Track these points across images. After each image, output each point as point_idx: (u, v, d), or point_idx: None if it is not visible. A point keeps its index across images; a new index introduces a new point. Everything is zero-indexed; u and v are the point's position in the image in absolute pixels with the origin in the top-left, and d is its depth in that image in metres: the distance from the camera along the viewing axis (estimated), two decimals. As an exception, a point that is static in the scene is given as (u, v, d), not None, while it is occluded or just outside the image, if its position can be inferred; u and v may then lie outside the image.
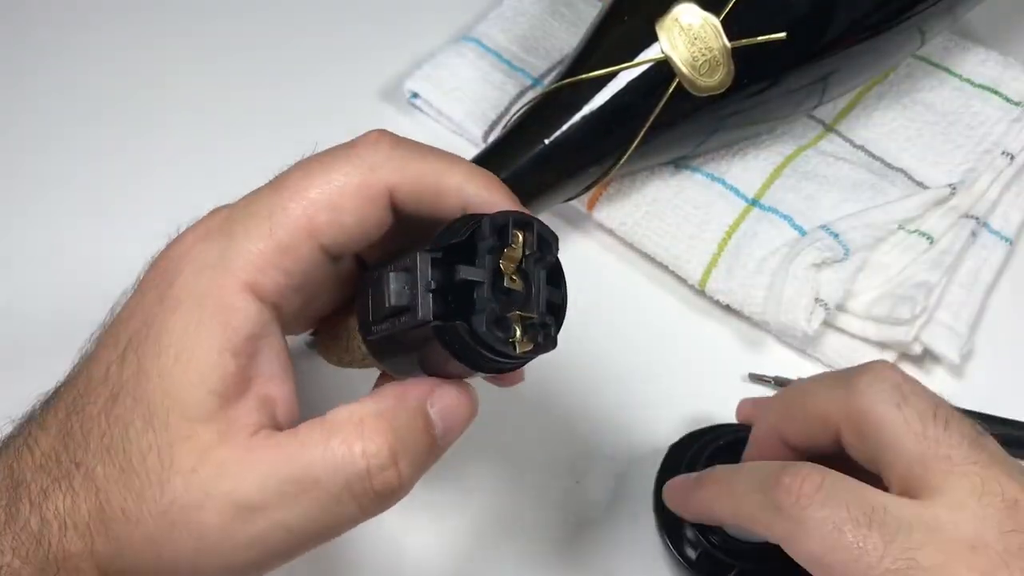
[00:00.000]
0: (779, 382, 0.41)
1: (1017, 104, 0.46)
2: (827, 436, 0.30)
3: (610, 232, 0.45)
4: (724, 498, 0.31)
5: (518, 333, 0.25)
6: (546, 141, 0.40)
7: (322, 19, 0.53)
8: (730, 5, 0.38)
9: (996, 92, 0.47)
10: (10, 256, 0.45)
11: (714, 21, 0.38)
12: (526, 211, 0.26)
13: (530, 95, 0.48)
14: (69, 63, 0.52)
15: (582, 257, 0.45)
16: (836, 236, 0.42)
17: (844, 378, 0.30)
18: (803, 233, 0.43)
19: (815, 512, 0.27)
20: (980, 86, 0.47)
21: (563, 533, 0.38)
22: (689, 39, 0.39)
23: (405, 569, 0.37)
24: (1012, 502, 0.26)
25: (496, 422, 0.39)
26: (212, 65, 0.52)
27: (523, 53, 0.49)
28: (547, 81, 0.48)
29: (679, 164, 0.45)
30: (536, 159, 0.40)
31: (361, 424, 0.25)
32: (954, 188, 0.44)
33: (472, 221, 0.25)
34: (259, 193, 0.27)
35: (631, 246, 0.44)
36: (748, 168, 0.45)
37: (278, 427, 0.26)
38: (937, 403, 0.29)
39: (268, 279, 0.26)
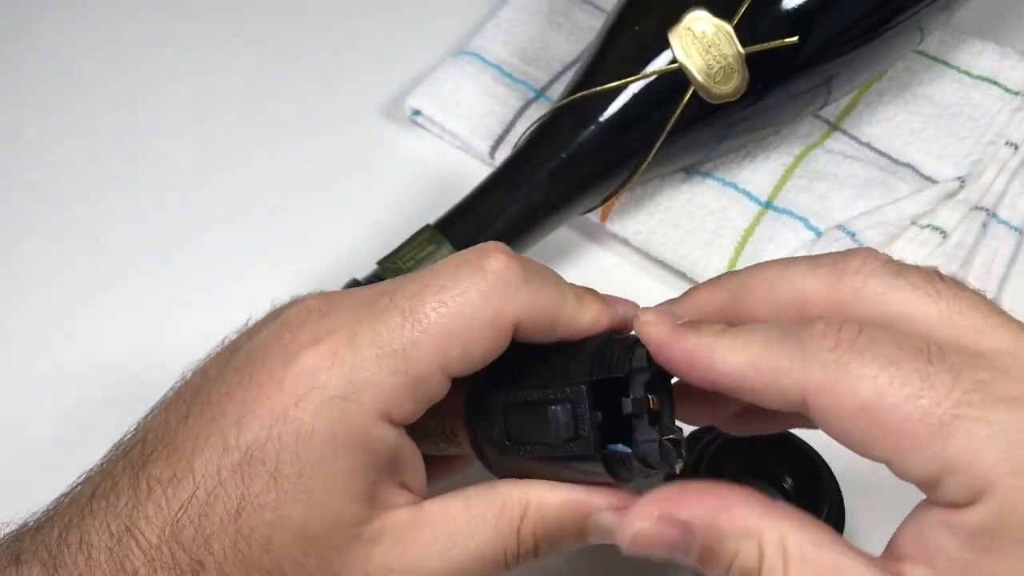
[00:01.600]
0: None
1: (1017, 94, 0.47)
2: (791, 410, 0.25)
3: (625, 242, 0.44)
4: (736, 349, 0.25)
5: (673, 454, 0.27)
6: (563, 154, 0.40)
7: (318, 40, 0.53)
8: (742, 11, 0.38)
9: (995, 83, 0.47)
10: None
11: (727, 28, 0.38)
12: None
13: (536, 108, 0.47)
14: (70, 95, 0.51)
15: (599, 269, 0.45)
16: (853, 235, 0.42)
17: (826, 258, 0.26)
18: (819, 234, 0.43)
19: (862, 353, 0.23)
20: (979, 77, 0.48)
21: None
22: (703, 47, 0.39)
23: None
24: None
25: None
26: (212, 86, 0.51)
27: (524, 65, 0.49)
28: (551, 92, 0.48)
29: (690, 170, 0.45)
30: (553, 173, 0.40)
31: (525, 512, 0.27)
32: (963, 181, 0.44)
33: (625, 352, 0.27)
34: (385, 315, 0.27)
35: (647, 255, 0.44)
36: (759, 170, 0.45)
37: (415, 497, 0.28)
38: (934, 269, 0.25)
39: (400, 412, 0.27)
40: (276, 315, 0.29)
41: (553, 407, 0.27)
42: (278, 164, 0.48)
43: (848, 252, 0.26)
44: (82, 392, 0.41)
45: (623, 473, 0.27)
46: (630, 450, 0.26)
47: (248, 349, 0.28)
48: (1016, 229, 0.44)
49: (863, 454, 0.24)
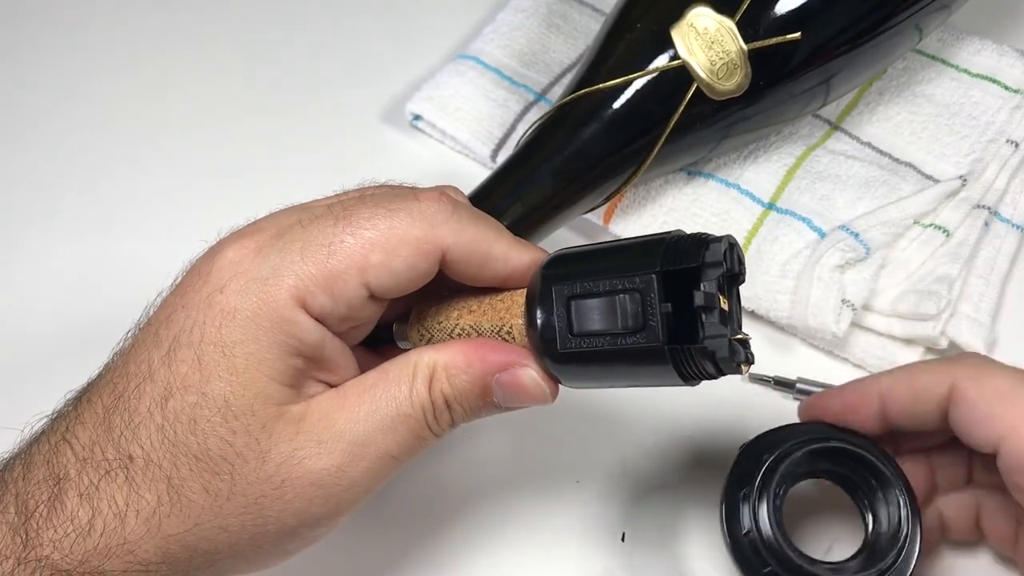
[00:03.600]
0: (779, 382, 0.41)
1: (1016, 91, 0.47)
2: (931, 413, 0.32)
3: (628, 243, 0.44)
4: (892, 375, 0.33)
5: (742, 353, 0.27)
6: (565, 153, 0.40)
7: (318, 46, 0.53)
8: (744, 7, 0.38)
9: (994, 81, 0.47)
10: (36, 261, 0.46)
11: (729, 24, 0.38)
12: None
13: (536, 111, 0.47)
14: (75, 85, 0.51)
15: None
16: (856, 236, 0.42)
17: (948, 360, 0.33)
18: (822, 234, 0.42)
19: (993, 362, 0.31)
20: (978, 75, 0.48)
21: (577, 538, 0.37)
22: (706, 43, 0.38)
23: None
24: None
25: (528, 430, 0.39)
26: (212, 93, 0.51)
27: (523, 68, 0.49)
28: (551, 95, 0.48)
29: (692, 171, 0.45)
30: (556, 171, 0.40)
31: (434, 373, 0.29)
32: (964, 179, 0.44)
33: (700, 243, 0.26)
34: (319, 219, 0.29)
35: (651, 256, 0.44)
36: (761, 171, 0.45)
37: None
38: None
39: (315, 301, 0.28)
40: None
41: (621, 296, 0.26)
42: (279, 169, 0.48)
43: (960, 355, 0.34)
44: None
45: (689, 369, 0.26)
46: (698, 345, 0.26)
47: (181, 271, 0.30)
48: (1018, 227, 0.44)
49: (985, 437, 0.31)
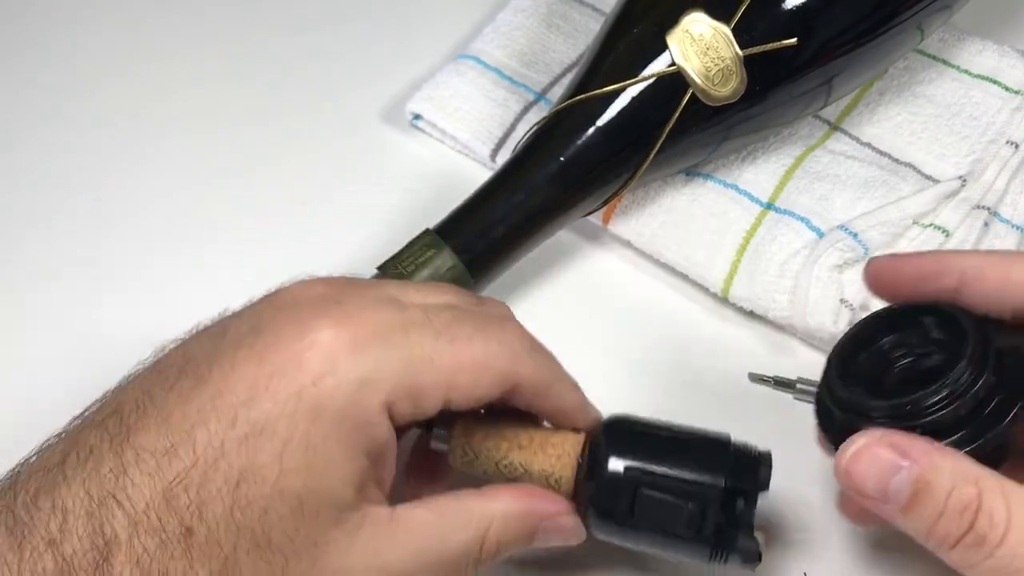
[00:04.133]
0: (779, 382, 0.41)
1: (1017, 92, 0.47)
2: (1020, 307, 0.30)
3: (627, 244, 0.44)
4: (994, 269, 0.30)
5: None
6: (562, 158, 0.40)
7: (317, 46, 0.53)
8: (740, 13, 0.38)
9: (995, 81, 0.47)
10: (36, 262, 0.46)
11: (725, 30, 0.38)
12: None
13: (536, 111, 0.47)
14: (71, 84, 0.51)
15: (602, 270, 0.45)
16: (855, 236, 0.42)
17: None
18: (821, 234, 0.43)
19: None
20: (979, 76, 0.48)
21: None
22: (701, 49, 0.39)
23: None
24: None
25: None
26: (212, 94, 0.51)
27: (523, 68, 0.49)
28: (551, 95, 0.48)
29: (691, 172, 0.45)
30: (553, 177, 0.40)
31: (491, 524, 0.30)
32: (964, 180, 0.44)
33: (754, 466, 0.32)
34: (420, 328, 0.29)
35: (649, 257, 0.44)
36: (759, 172, 0.45)
37: (389, 499, 0.30)
38: None
39: (400, 409, 0.29)
40: (276, 297, 0.30)
41: (687, 502, 0.31)
42: (279, 170, 0.48)
43: None
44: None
45: (718, 558, 0.31)
46: (736, 551, 0.31)
47: (254, 326, 0.29)
48: (1018, 227, 0.44)
49: None
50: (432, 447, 0.34)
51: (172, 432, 0.27)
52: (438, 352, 0.29)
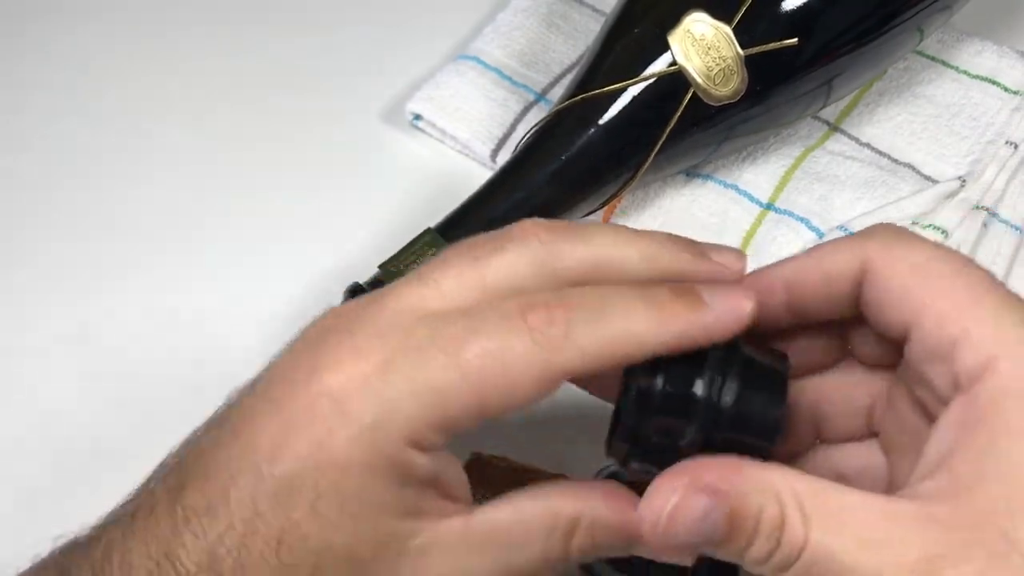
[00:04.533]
0: None
1: (1016, 93, 0.47)
2: (844, 297, 0.28)
3: (627, 244, 0.44)
4: (810, 268, 0.29)
5: None
6: (563, 157, 0.40)
7: (317, 45, 0.53)
8: (741, 13, 0.38)
9: (994, 82, 0.47)
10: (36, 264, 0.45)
11: (726, 30, 0.38)
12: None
13: (536, 111, 0.47)
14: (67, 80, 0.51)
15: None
16: (854, 236, 0.42)
17: (859, 235, 0.28)
18: (821, 235, 0.43)
19: (913, 236, 0.27)
20: (978, 76, 0.48)
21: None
22: (702, 49, 0.39)
23: None
24: None
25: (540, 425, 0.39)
26: (212, 92, 0.51)
27: (523, 68, 0.49)
28: (551, 95, 0.48)
29: (690, 172, 0.45)
30: (553, 176, 0.40)
31: (576, 528, 0.27)
32: (963, 180, 0.44)
33: None
34: (426, 352, 0.26)
35: (649, 257, 0.44)
36: (759, 172, 0.45)
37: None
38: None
39: (428, 441, 0.26)
40: (301, 335, 0.28)
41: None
42: (279, 169, 0.48)
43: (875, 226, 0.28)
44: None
45: None
46: None
47: (268, 375, 0.28)
48: (1017, 228, 0.44)
49: (897, 318, 0.26)
50: None
51: (211, 490, 0.26)
52: (450, 378, 0.26)
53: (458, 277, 0.28)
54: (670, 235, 0.29)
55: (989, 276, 0.26)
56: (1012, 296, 0.26)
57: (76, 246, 0.46)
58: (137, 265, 0.45)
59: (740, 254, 0.30)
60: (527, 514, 0.27)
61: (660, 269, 0.28)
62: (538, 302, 0.27)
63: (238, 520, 0.26)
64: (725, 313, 0.27)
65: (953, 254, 0.26)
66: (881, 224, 0.28)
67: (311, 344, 0.27)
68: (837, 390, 0.31)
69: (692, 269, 0.29)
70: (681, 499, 0.25)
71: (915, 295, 0.26)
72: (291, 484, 0.26)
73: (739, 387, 0.27)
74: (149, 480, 0.28)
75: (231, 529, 0.26)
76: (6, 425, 0.41)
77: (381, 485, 0.26)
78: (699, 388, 0.27)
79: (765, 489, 0.25)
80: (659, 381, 0.27)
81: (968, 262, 0.26)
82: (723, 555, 0.26)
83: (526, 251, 0.28)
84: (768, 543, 0.25)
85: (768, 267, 0.30)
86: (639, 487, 0.27)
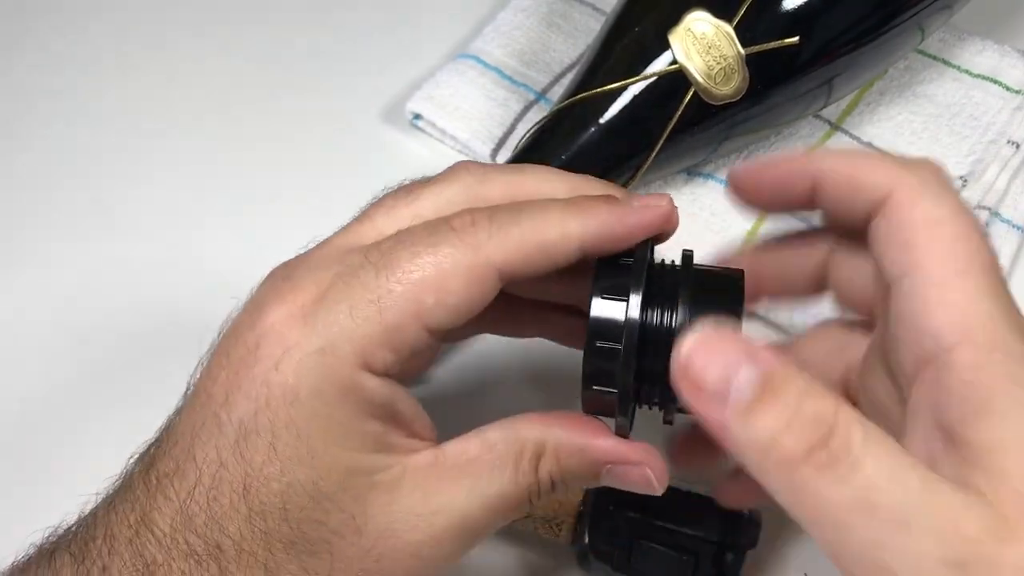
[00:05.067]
0: None
1: (1017, 92, 0.47)
2: (861, 214, 0.27)
3: (628, 244, 0.44)
4: (842, 172, 0.28)
5: None
6: (563, 156, 0.40)
7: (317, 45, 0.53)
8: (742, 12, 0.38)
9: (996, 81, 0.47)
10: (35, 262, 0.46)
11: (727, 29, 0.38)
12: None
13: (536, 110, 0.47)
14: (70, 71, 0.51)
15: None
16: (855, 235, 0.42)
17: (902, 164, 0.27)
18: (822, 234, 0.43)
19: (947, 188, 0.26)
20: (979, 76, 0.48)
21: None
22: (703, 48, 0.38)
23: None
24: None
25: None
26: (212, 92, 0.51)
27: (523, 68, 0.49)
28: (551, 95, 0.48)
29: (691, 172, 0.45)
30: (554, 176, 0.40)
31: (543, 453, 0.28)
32: (965, 180, 0.44)
33: (750, 526, 0.34)
34: (359, 271, 0.27)
35: (650, 257, 0.44)
36: (760, 172, 0.45)
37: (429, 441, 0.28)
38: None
39: (378, 359, 0.27)
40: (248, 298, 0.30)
41: (684, 556, 0.33)
42: (279, 170, 0.48)
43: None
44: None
45: None
46: None
47: (223, 331, 0.29)
48: (1018, 228, 0.44)
49: (887, 266, 0.26)
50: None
51: (178, 452, 0.27)
52: (383, 287, 0.27)
53: (391, 210, 0.29)
54: (598, 179, 0.31)
55: (990, 258, 0.25)
56: (1001, 287, 0.25)
57: (76, 246, 0.46)
58: (137, 265, 0.45)
59: (666, 196, 0.30)
60: (495, 443, 0.28)
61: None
62: (463, 211, 0.28)
63: (206, 475, 0.26)
64: (644, 208, 0.28)
65: (970, 223, 0.25)
66: (926, 163, 0.27)
67: (256, 294, 0.28)
68: (812, 356, 0.32)
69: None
70: (721, 335, 0.24)
71: (913, 250, 0.25)
72: (247, 428, 0.26)
73: (692, 295, 0.28)
74: (129, 460, 0.29)
75: (199, 485, 0.26)
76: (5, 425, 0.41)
77: (337, 414, 0.26)
78: (652, 313, 0.27)
79: (819, 390, 0.23)
80: (612, 312, 0.27)
81: (979, 239, 0.25)
82: (746, 444, 0.23)
83: (457, 183, 0.29)
84: (809, 435, 0.22)
85: (801, 156, 0.29)
86: None
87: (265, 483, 0.26)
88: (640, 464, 0.29)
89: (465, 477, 0.27)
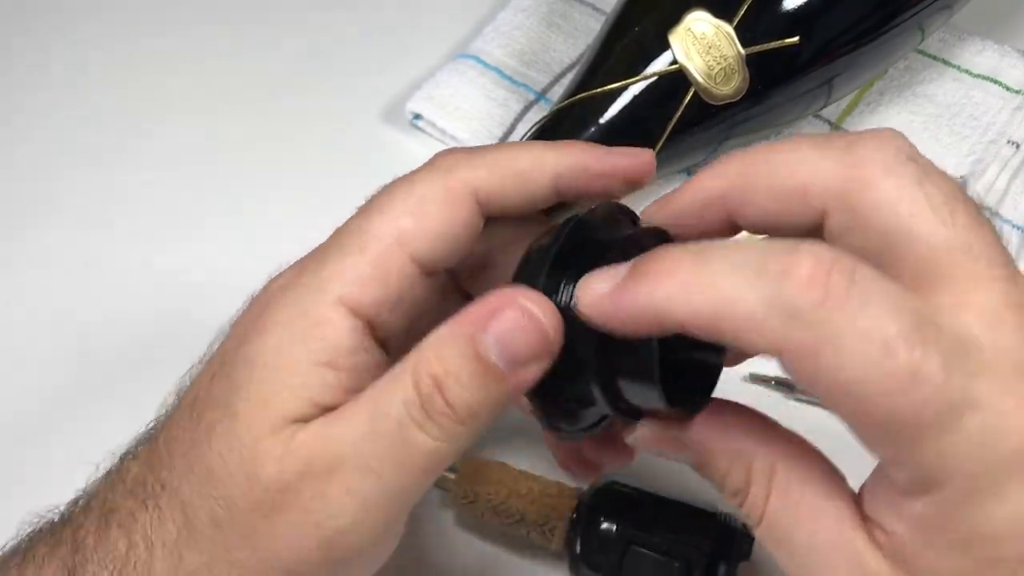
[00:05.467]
0: (779, 382, 0.41)
1: (1017, 92, 0.47)
2: (804, 216, 0.23)
3: (627, 244, 0.44)
4: (696, 289, 0.21)
5: None
6: (563, 157, 0.40)
7: (317, 45, 0.53)
8: (742, 12, 0.38)
9: (996, 81, 0.47)
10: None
11: (727, 29, 0.38)
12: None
13: (536, 110, 0.47)
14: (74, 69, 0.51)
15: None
16: (855, 235, 0.42)
17: (839, 143, 0.23)
18: (822, 234, 0.43)
19: (853, 319, 0.20)
20: (979, 76, 0.48)
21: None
22: (703, 48, 0.38)
23: None
24: None
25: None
26: (212, 92, 0.51)
27: (523, 68, 0.49)
28: (551, 94, 0.48)
29: (691, 171, 0.45)
30: (554, 176, 0.40)
31: (419, 357, 0.25)
32: (965, 180, 0.44)
33: (743, 539, 0.34)
34: (347, 222, 0.27)
35: (650, 257, 0.44)
36: (760, 172, 0.45)
37: None
38: (960, 189, 0.22)
39: (363, 292, 0.26)
40: None
41: (676, 563, 0.32)
42: (279, 170, 0.48)
43: (865, 135, 0.23)
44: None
45: None
46: None
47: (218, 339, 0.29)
48: (1019, 227, 0.44)
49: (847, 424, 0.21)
50: (435, 484, 0.34)
51: (173, 405, 0.29)
52: (365, 222, 0.27)
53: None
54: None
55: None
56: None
57: (76, 246, 0.46)
58: (136, 265, 0.45)
59: (648, 151, 0.30)
60: (384, 378, 0.25)
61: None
62: (447, 152, 0.29)
63: (181, 412, 0.27)
64: (622, 152, 0.29)
65: (897, 362, 0.20)
66: (880, 139, 0.23)
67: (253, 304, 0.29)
68: None
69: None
70: (651, 436, 0.26)
71: (855, 422, 0.21)
72: (224, 358, 0.27)
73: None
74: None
75: (171, 419, 0.27)
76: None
77: (295, 352, 0.26)
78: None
79: (739, 459, 0.24)
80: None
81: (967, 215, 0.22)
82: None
83: (434, 173, 0.28)
84: (734, 499, 0.25)
85: (706, 174, 0.26)
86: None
87: (212, 409, 0.26)
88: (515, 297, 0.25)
89: (354, 416, 0.25)
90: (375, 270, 0.26)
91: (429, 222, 0.26)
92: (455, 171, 0.27)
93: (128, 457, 0.28)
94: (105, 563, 0.26)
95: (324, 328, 0.25)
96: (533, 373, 0.24)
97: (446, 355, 0.24)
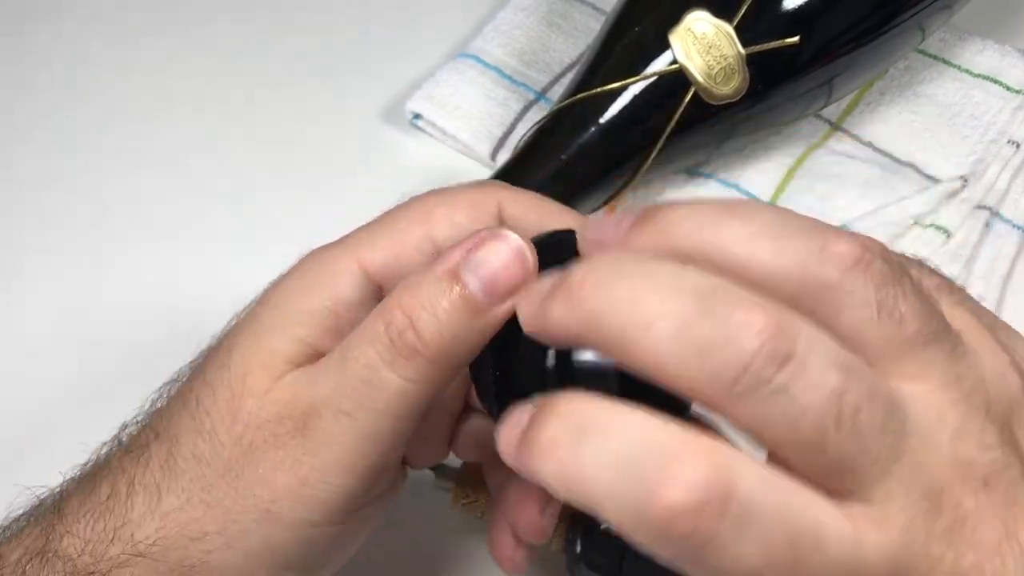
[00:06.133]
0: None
1: (1018, 92, 0.47)
2: None
3: (628, 244, 0.44)
4: (572, 482, 0.20)
5: None
6: (563, 156, 0.40)
7: (317, 45, 0.53)
8: (742, 12, 0.38)
9: (996, 81, 0.47)
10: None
11: (727, 29, 0.38)
12: None
13: (536, 110, 0.47)
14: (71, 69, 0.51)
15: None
16: (856, 236, 0.42)
17: (802, 243, 0.21)
18: (822, 234, 0.43)
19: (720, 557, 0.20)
20: (979, 75, 0.48)
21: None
22: (703, 47, 0.38)
23: None
24: None
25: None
26: (212, 91, 0.51)
27: (523, 67, 0.49)
28: (551, 94, 0.48)
29: (692, 171, 0.45)
30: (554, 175, 0.40)
31: (388, 300, 0.25)
32: (965, 180, 0.44)
33: None
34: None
35: (650, 257, 0.44)
36: (761, 171, 0.45)
37: None
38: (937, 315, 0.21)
39: (378, 253, 0.27)
40: None
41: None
42: (279, 169, 0.48)
43: (834, 243, 0.21)
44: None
45: None
46: None
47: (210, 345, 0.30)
48: (1019, 228, 0.44)
49: None
50: (436, 486, 0.34)
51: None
52: (402, 207, 0.29)
53: None
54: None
55: None
56: None
57: (76, 247, 0.46)
58: (136, 266, 0.45)
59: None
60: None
61: None
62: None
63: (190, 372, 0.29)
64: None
65: None
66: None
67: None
68: None
69: None
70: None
71: None
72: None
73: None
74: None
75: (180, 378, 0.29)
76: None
77: (296, 305, 0.27)
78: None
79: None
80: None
81: None
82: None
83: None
84: None
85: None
86: None
87: (213, 359, 0.27)
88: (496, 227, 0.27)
89: (329, 360, 0.26)
90: (395, 237, 0.28)
91: (457, 214, 0.28)
92: (488, 187, 0.29)
93: (133, 423, 0.29)
94: (81, 515, 0.26)
95: (335, 279, 0.27)
96: (508, 309, 0.24)
97: (423, 290, 0.24)
